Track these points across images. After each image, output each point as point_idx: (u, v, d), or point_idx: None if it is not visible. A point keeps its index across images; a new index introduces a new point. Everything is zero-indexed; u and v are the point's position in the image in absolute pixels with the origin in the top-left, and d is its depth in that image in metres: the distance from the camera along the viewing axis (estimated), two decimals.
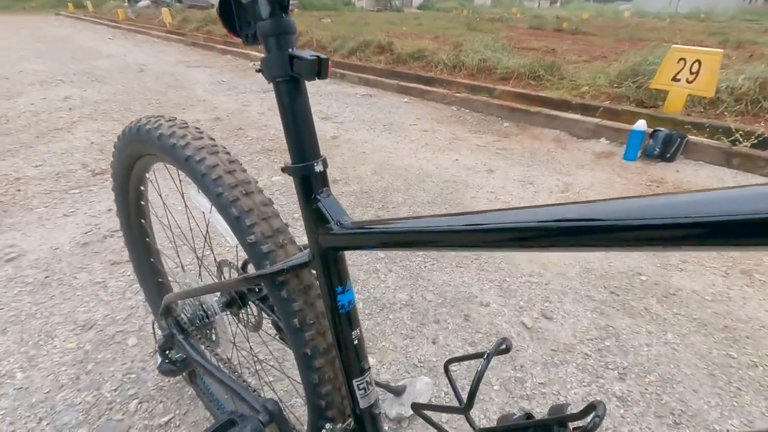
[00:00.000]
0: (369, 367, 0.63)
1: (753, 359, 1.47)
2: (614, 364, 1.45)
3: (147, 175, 1.00)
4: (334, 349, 0.63)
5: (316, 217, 0.55)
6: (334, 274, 0.58)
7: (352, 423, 0.67)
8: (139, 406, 1.28)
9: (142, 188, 1.03)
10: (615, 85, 4.70)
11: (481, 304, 1.73)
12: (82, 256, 1.99)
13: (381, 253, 2.06)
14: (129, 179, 0.99)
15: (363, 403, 0.64)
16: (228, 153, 0.74)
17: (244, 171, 0.72)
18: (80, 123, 3.92)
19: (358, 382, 0.62)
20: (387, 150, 3.43)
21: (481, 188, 2.78)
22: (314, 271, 0.61)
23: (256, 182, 0.72)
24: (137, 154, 0.87)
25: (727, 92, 3.97)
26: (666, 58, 3.84)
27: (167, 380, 1.36)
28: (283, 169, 0.55)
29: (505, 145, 3.61)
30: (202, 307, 0.90)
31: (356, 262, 1.99)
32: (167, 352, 0.92)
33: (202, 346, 0.91)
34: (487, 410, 1.28)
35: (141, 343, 1.51)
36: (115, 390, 1.33)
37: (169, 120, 0.78)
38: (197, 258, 1.02)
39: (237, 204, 0.66)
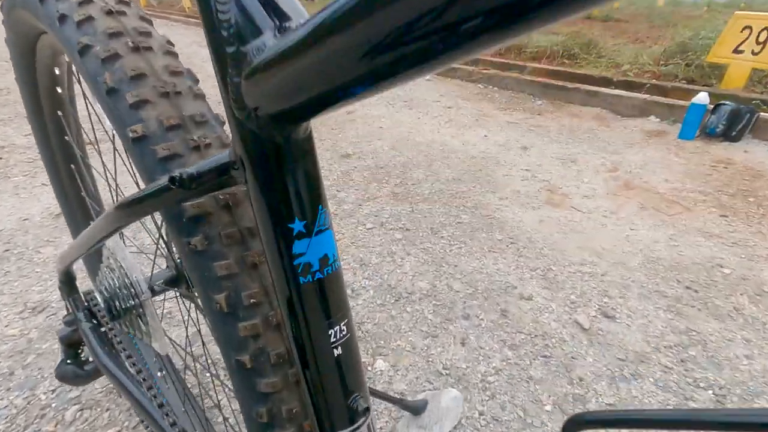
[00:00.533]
0: (368, 408, 0.30)
1: None
2: (706, 382, 1.09)
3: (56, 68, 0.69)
4: (296, 362, 0.30)
5: (228, 42, 0.22)
6: (280, 189, 0.25)
7: None
8: (79, 414, 0.99)
9: (59, 90, 0.71)
10: (661, 63, 4.24)
11: (522, 297, 1.38)
12: (52, 229, 1.72)
13: (398, 234, 1.73)
14: (33, 67, 0.67)
15: None
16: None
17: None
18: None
19: None
20: (407, 125, 3.08)
21: (514, 165, 2.41)
22: (246, 187, 0.28)
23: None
24: (32, 34, 0.56)
25: None
26: (727, 27, 3.37)
27: None
28: None
29: (539, 122, 3.21)
30: (124, 280, 0.59)
31: (367, 243, 1.66)
32: (73, 346, 0.61)
33: (123, 346, 0.59)
34: None
35: None
36: (53, 392, 1.04)
37: None
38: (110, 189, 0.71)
39: (113, 64, 0.33)
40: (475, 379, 1.09)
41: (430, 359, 1.15)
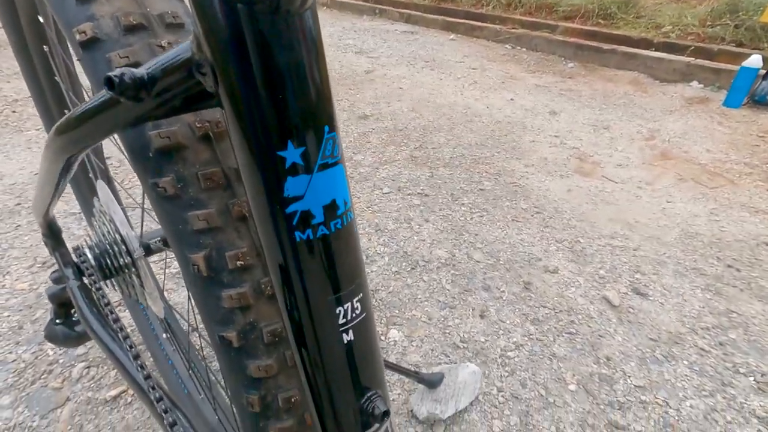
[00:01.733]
0: (386, 411, 0.23)
1: None
2: (747, 367, 1.00)
3: None
4: (294, 348, 0.23)
5: None
6: (264, 96, 0.17)
7: None
8: (86, 371, 0.97)
9: (40, 19, 0.63)
10: (707, 24, 3.89)
11: (547, 270, 1.30)
12: None
13: (416, 199, 1.64)
14: None
15: None
16: None
17: None
18: None
19: None
20: (428, 87, 2.92)
21: (542, 131, 2.26)
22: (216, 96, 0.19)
23: None
24: None
25: None
26: None
27: None
28: None
29: (570, 86, 3.01)
30: (115, 235, 0.53)
31: (384, 208, 1.59)
32: (63, 305, 0.56)
33: (110, 308, 0.54)
34: (560, 420, 0.88)
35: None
36: (62, 348, 1.02)
37: None
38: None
39: None
40: (495, 354, 1.03)
41: (447, 331, 1.09)
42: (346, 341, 0.21)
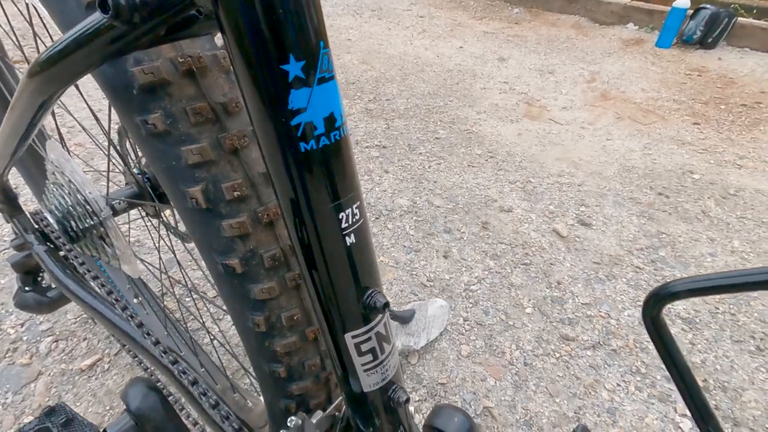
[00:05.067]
0: (386, 303, 0.26)
1: None
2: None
3: None
4: (298, 261, 0.25)
5: None
6: (265, 9, 0.18)
7: (345, 407, 0.32)
8: (54, 345, 0.95)
9: None
10: None
11: (502, 210, 1.38)
12: None
13: (374, 152, 1.65)
14: None
15: (369, 381, 0.28)
16: None
17: None
18: None
19: (358, 338, 0.26)
20: (377, 37, 2.85)
21: (492, 78, 2.31)
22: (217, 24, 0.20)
23: None
24: None
25: None
26: None
27: None
28: None
29: (516, 32, 3.04)
30: (77, 197, 0.51)
31: None
32: (30, 272, 0.54)
33: (87, 267, 0.53)
34: (519, 339, 0.99)
35: None
36: (22, 325, 0.98)
37: None
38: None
39: None
40: (459, 288, 1.11)
41: (414, 273, 1.16)
42: (348, 244, 0.24)
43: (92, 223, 0.53)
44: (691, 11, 2.72)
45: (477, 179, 1.53)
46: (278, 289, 0.30)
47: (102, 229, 0.54)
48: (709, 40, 2.67)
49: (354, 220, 0.24)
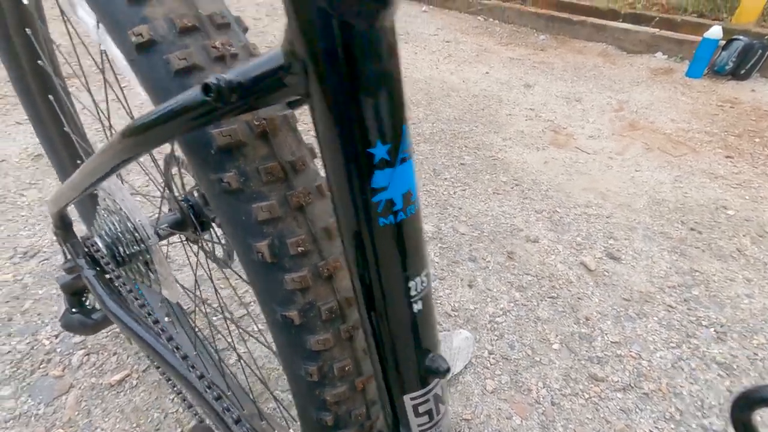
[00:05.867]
0: (448, 368, 0.27)
1: None
2: (708, 320, 1.11)
3: None
4: (365, 318, 0.26)
5: None
6: (357, 99, 0.20)
7: None
8: (86, 358, 0.97)
9: (24, 1, 0.61)
10: None
11: (528, 240, 1.37)
12: (33, 170, 1.62)
13: None
14: None
15: None
16: None
17: None
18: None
19: (416, 399, 0.26)
20: (403, 61, 2.89)
21: (518, 104, 2.31)
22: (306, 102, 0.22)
23: None
24: None
25: None
26: None
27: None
28: None
29: (543, 58, 3.06)
30: (126, 224, 0.53)
31: None
32: (77, 294, 0.57)
33: (132, 292, 0.55)
34: (546, 377, 0.96)
35: None
36: (56, 337, 1.01)
37: None
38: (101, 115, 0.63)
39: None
40: (484, 320, 1.10)
41: (439, 301, 1.15)
42: (415, 311, 0.24)
43: (139, 249, 0.55)
44: (723, 42, 2.69)
45: (502, 207, 1.52)
46: (333, 341, 0.30)
47: (148, 255, 0.56)
48: (742, 71, 2.63)
49: (422, 287, 0.24)
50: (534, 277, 1.23)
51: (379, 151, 0.20)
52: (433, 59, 2.96)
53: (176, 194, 0.63)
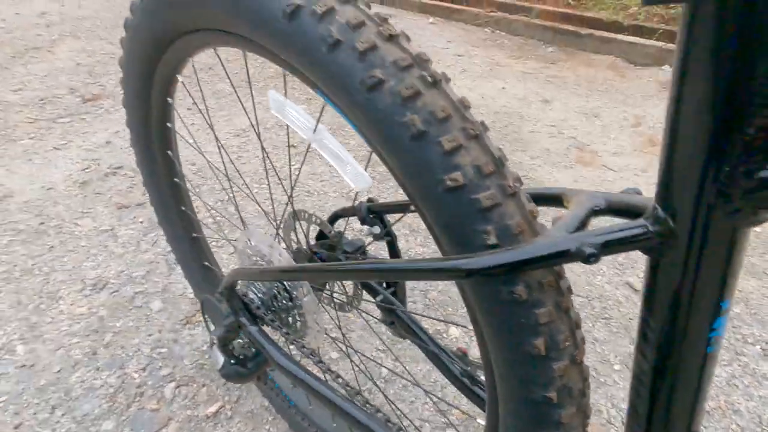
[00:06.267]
0: None
1: None
2: (753, 338, 1.19)
3: (179, 75, 0.63)
4: (646, 407, 0.32)
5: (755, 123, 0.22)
6: (720, 270, 0.27)
7: None
8: (177, 391, 1.01)
9: (169, 100, 0.67)
10: (669, 6, 4.12)
11: None
12: (82, 198, 1.65)
13: None
14: (150, 84, 0.62)
15: None
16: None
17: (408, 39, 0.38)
18: (62, 42, 3.38)
19: None
20: None
21: (539, 120, 2.39)
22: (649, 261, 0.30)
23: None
24: (168, 32, 0.51)
25: None
26: None
27: (207, 356, 1.09)
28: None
29: (554, 72, 3.15)
30: (284, 285, 0.58)
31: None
32: (230, 346, 0.62)
33: (281, 339, 0.61)
34: (614, 397, 1.03)
35: (168, 307, 1.22)
36: (144, 369, 1.05)
37: None
38: (271, 213, 0.70)
39: (417, 104, 0.32)
40: None
41: None
42: (697, 399, 0.31)
43: (295, 310, 0.61)
44: None
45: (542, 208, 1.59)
46: (576, 412, 0.36)
47: (302, 311, 0.61)
48: None
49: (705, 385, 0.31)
50: (585, 299, 1.30)
51: (725, 304, 0.27)
52: (450, 74, 3.00)
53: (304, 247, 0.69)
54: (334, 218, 0.67)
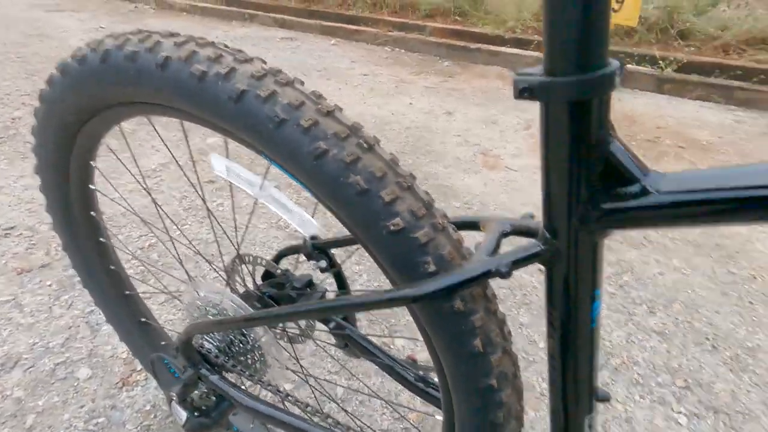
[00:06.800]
0: (608, 397, 0.43)
1: None
2: (640, 299, 1.42)
3: (101, 141, 0.63)
4: (560, 376, 0.42)
5: (596, 175, 0.31)
6: (590, 271, 0.36)
7: None
8: None
9: (92, 163, 0.66)
10: (539, 19, 4.70)
11: None
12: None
13: None
14: (70, 150, 0.61)
15: None
16: (302, 83, 0.44)
17: (341, 110, 0.44)
18: None
19: (590, 420, 0.42)
20: (331, 97, 3.01)
21: (446, 132, 2.60)
22: (541, 267, 0.38)
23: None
24: (96, 105, 0.51)
25: (639, 22, 4.16)
26: None
27: (153, 416, 1.04)
28: (523, 91, 0.31)
29: (453, 85, 3.43)
30: (240, 330, 0.61)
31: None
32: (188, 399, 0.62)
33: (242, 381, 0.63)
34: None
35: (98, 373, 1.13)
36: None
37: (169, 36, 0.44)
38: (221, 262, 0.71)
39: (359, 167, 0.38)
40: None
41: None
42: (591, 364, 0.40)
43: (252, 346, 0.63)
44: None
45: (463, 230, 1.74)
46: (513, 392, 0.45)
47: (262, 351, 0.63)
48: None
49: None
50: (508, 290, 1.45)
51: (597, 292, 0.37)
52: (358, 94, 3.16)
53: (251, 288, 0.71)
54: (279, 257, 0.70)
